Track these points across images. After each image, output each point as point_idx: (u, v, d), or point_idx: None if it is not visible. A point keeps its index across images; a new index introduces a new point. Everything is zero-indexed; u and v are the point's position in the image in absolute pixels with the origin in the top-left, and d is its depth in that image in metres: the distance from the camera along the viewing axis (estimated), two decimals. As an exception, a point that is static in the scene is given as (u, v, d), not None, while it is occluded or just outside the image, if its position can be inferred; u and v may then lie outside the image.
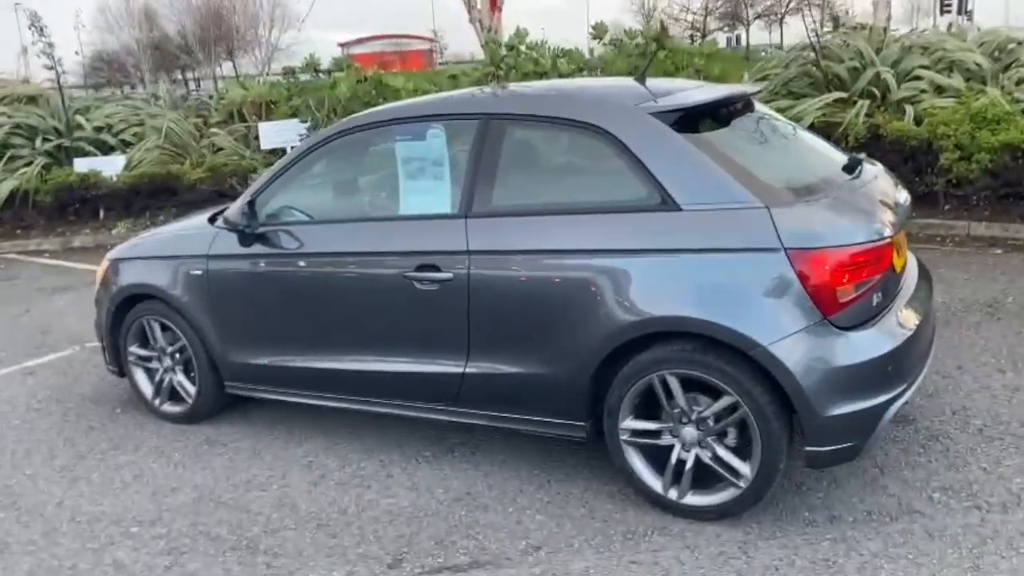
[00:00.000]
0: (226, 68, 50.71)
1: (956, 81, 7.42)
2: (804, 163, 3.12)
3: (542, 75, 10.33)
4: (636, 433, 2.98)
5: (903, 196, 3.18)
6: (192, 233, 4.01)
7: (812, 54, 8.04)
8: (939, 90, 7.43)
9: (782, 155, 3.13)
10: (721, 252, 2.74)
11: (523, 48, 10.79)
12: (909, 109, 7.18)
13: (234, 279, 3.71)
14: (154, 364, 4.16)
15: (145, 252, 4.13)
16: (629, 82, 3.39)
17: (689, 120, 2.97)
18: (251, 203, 3.59)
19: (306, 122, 10.26)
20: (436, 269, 3.16)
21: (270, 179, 3.66)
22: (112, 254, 4.32)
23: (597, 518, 3.03)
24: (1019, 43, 8.52)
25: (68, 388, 4.80)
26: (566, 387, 3.03)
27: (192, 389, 4.04)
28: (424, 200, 3.35)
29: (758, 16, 56.84)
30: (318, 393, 3.66)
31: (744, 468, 2.81)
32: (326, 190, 3.78)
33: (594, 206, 3.00)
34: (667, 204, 2.83)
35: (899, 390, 2.76)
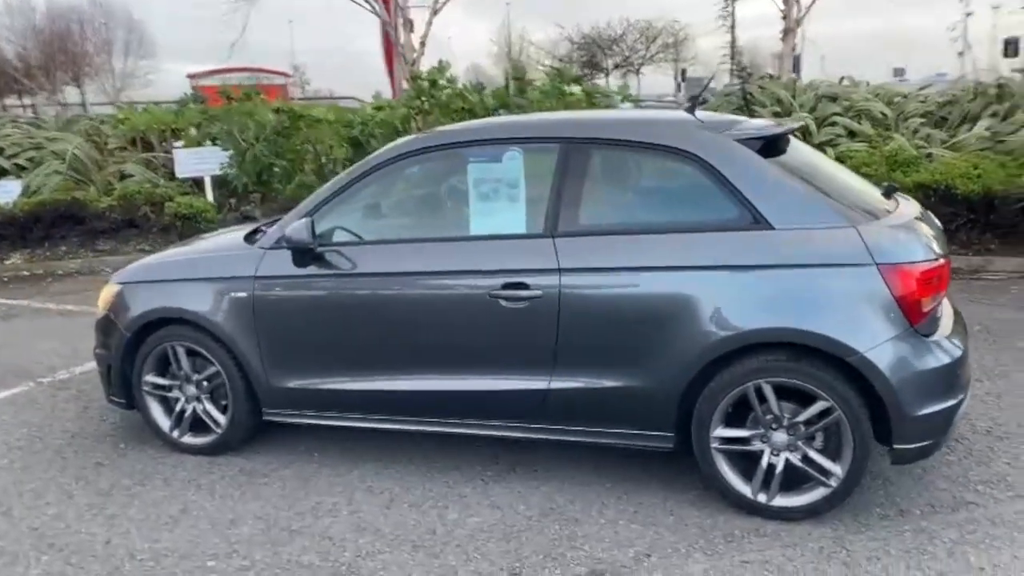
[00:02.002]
0: (71, 95, 47.60)
1: (866, 128, 8.24)
2: (855, 188, 3.43)
3: (470, 111, 10.52)
4: (726, 440, 3.15)
5: (938, 223, 3.56)
6: (231, 254, 3.84)
7: (738, 100, 8.68)
8: (851, 135, 8.22)
9: (836, 181, 3.43)
10: (816, 267, 2.98)
11: (443, 82, 10.95)
12: (830, 151, 7.89)
13: (289, 301, 3.59)
14: (175, 393, 3.92)
15: (170, 274, 3.91)
16: (684, 113, 3.61)
17: (765, 148, 3.22)
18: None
19: (228, 150, 9.92)
20: (524, 287, 3.22)
21: (327, 198, 3.60)
22: (122, 277, 4.06)
23: (691, 524, 3.15)
24: (904, 96, 9.59)
25: (47, 425, 4.42)
26: (658, 399, 3.16)
27: (222, 418, 3.84)
28: (499, 220, 3.41)
29: (617, 66, 59.85)
30: (380, 416, 3.59)
31: (835, 468, 3.03)
32: (390, 209, 3.75)
33: (683, 226, 3.17)
34: (760, 224, 3.05)
35: (964, 394, 3.08)
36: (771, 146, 3.27)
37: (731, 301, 3.03)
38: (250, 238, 3.94)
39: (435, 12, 11.44)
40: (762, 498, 3.12)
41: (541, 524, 3.20)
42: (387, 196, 3.74)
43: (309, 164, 10.40)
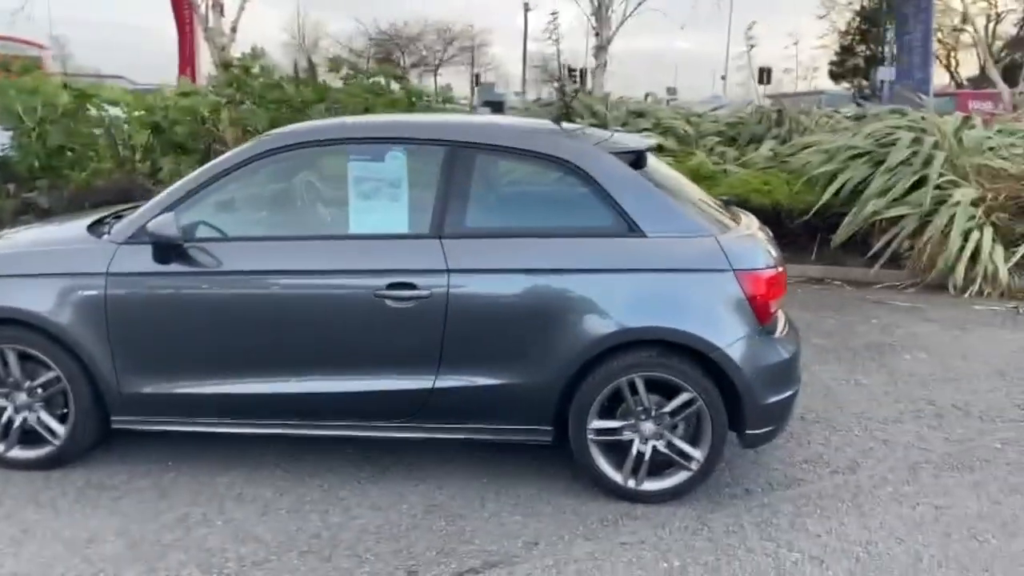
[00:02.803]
0: None
1: (671, 143, 8.98)
2: (705, 200, 3.79)
3: (285, 102, 10.18)
4: (600, 432, 3.36)
5: (771, 234, 4.01)
6: (76, 247, 3.50)
7: (558, 111, 9.13)
8: (659, 149, 8.90)
9: (690, 193, 3.76)
10: (683, 272, 3.28)
11: (256, 70, 10.51)
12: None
13: (148, 300, 3.35)
14: (0, 403, 3.51)
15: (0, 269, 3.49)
16: (551, 123, 3.80)
17: (634, 161, 3.48)
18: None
19: (10, 130, 8.86)
20: (412, 287, 3.25)
21: (192, 190, 3.40)
22: (-64, 270, 3.55)
23: (567, 512, 3.34)
24: (699, 116, 10.55)
25: None
26: (540, 395, 3.31)
27: (60, 428, 3.50)
28: (381, 220, 3.41)
29: (414, 65, 59.95)
30: (250, 420, 3.45)
31: (696, 453, 3.35)
32: (263, 204, 3.60)
33: (564, 231, 3.36)
34: (635, 231, 3.30)
35: (798, 385, 3.52)
36: (638, 160, 3.53)
37: (609, 302, 3.26)
38: (94, 230, 3.62)
39: (248, -4, 10.95)
40: (631, 484, 3.38)
41: (427, 522, 3.24)
42: (259, 191, 3.60)
43: (106, 149, 9.54)
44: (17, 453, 3.53)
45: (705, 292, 3.28)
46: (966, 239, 7.19)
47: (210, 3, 10.44)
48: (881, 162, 7.68)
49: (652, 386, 3.33)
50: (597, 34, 11.03)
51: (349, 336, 3.33)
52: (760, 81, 40.15)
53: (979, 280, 7.11)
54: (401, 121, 3.83)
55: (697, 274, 3.28)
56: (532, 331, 3.27)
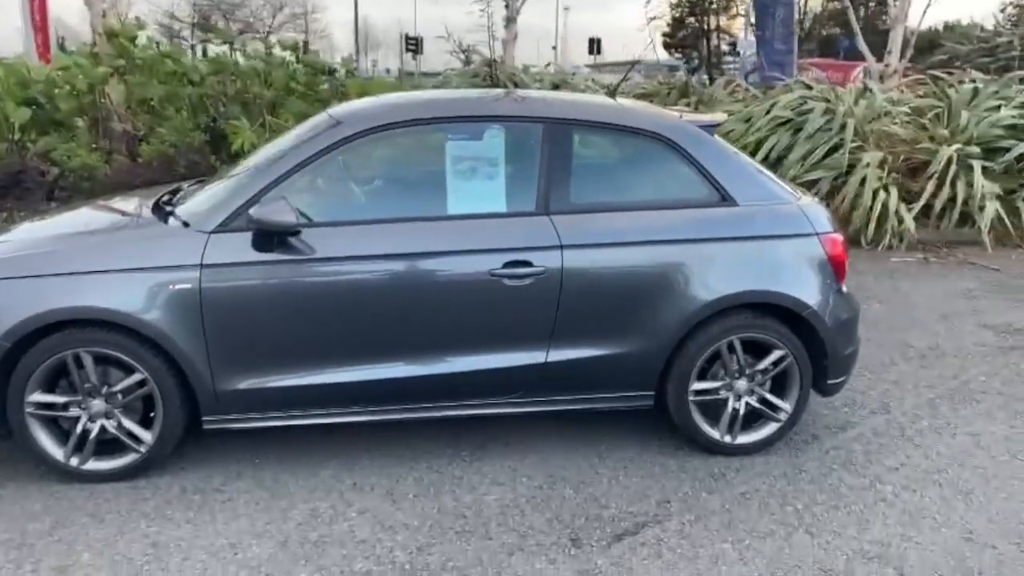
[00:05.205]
0: None
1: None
2: (765, 169, 4.03)
3: (182, 75, 9.55)
4: (700, 392, 3.56)
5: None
6: (158, 236, 3.23)
7: (483, 83, 9.14)
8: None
9: (756, 164, 3.97)
10: (775, 238, 3.52)
11: (142, 41, 9.76)
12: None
13: (249, 291, 3.16)
14: (73, 412, 3.21)
15: (68, 265, 3.14)
16: (609, 99, 3.91)
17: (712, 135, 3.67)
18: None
19: None
20: (528, 264, 3.28)
21: (284, 175, 3.23)
22: (-16, 271, 3.16)
23: (676, 469, 3.52)
24: (608, 86, 10.89)
25: None
26: (647, 363, 3.46)
27: (147, 435, 3.25)
28: (485, 199, 3.40)
29: (241, 32, 56.82)
30: (357, 408, 3.35)
31: (784, 404, 3.62)
32: (357, 186, 3.45)
33: (661, 203, 3.50)
34: (727, 201, 3.50)
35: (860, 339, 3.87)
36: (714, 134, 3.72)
37: (712, 270, 3.44)
38: (159, 214, 3.36)
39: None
40: (728, 439, 3.61)
41: (557, 491, 3.32)
42: (350, 173, 3.46)
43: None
44: (96, 465, 3.26)
45: (794, 255, 3.53)
46: (875, 197, 7.97)
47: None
48: (800, 130, 8.32)
49: (745, 346, 3.56)
50: (507, 5, 11.07)
51: (462, 316, 3.31)
52: (591, 51, 41.59)
53: (888, 235, 7.92)
54: (492, 96, 3.79)
55: (787, 239, 3.53)
56: (641, 301, 3.40)
